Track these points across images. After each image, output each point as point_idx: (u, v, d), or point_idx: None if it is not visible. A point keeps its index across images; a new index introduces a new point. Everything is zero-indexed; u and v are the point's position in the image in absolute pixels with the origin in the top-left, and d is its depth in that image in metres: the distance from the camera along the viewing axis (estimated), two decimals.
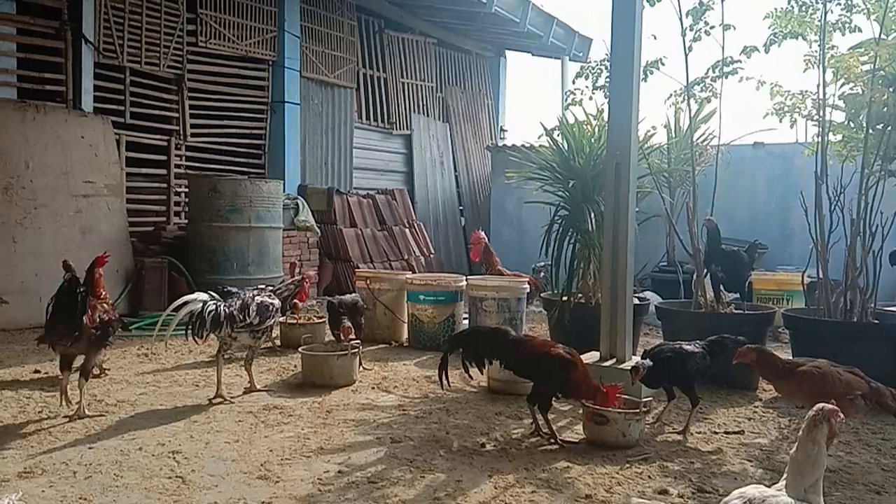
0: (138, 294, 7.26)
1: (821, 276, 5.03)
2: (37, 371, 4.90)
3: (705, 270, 5.46)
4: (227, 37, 9.50)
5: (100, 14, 8.10)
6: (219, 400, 4.28)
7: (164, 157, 8.98)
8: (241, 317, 4.28)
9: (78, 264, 3.95)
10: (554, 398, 3.75)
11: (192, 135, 9.28)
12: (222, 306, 4.21)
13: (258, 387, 4.56)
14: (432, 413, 4.13)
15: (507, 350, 3.83)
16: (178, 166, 9.12)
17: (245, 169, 9.89)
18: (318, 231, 9.53)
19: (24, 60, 7.71)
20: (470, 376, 4.05)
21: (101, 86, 8.20)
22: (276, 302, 4.57)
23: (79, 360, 3.93)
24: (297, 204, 9.24)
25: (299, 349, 4.96)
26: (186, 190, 8.62)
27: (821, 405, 2.16)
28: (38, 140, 6.80)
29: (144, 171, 8.84)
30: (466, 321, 6.34)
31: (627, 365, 4.53)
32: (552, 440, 3.60)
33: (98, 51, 8.10)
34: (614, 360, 4.65)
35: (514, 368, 3.88)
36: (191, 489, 2.93)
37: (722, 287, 5.46)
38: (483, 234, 7.34)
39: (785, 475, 2.10)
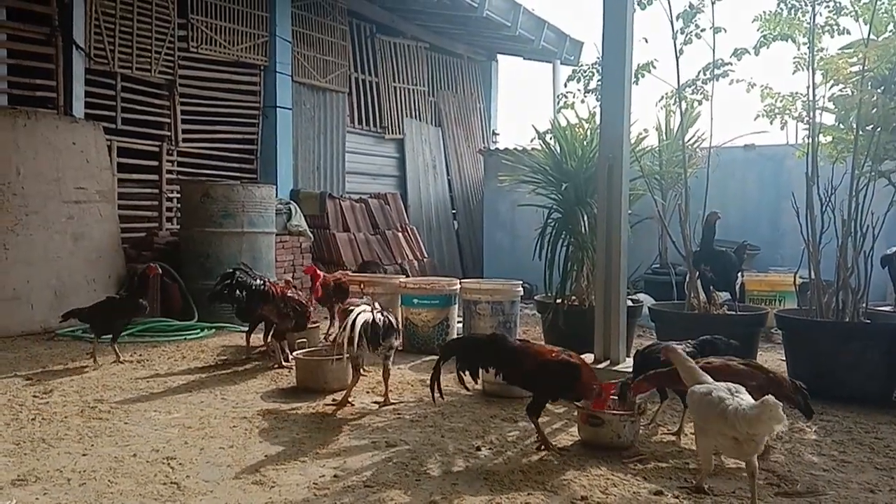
0: None
1: (812, 276, 5.05)
2: (28, 379, 4.88)
3: (696, 272, 5.49)
4: (218, 42, 9.50)
5: (90, 20, 8.09)
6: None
7: (155, 163, 8.97)
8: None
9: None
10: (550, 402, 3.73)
11: (184, 140, 9.27)
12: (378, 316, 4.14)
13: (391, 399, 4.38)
14: (427, 417, 4.13)
15: (508, 359, 3.68)
16: (170, 172, 9.11)
17: (237, 174, 9.88)
18: (311, 236, 9.52)
19: (15, 66, 7.70)
20: (465, 387, 3.85)
21: (92, 92, 8.19)
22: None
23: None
24: (289, 209, 9.23)
25: (293, 354, 4.95)
26: (178, 195, 8.60)
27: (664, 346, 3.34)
28: (29, 146, 6.78)
29: (136, 176, 8.82)
30: (460, 325, 6.35)
31: (622, 367, 4.55)
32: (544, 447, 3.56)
33: (89, 56, 8.08)
34: (608, 361, 4.67)
35: (516, 380, 3.76)
36: (186, 495, 2.92)
37: (712, 287, 5.49)
38: (314, 267, 7.29)
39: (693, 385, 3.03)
